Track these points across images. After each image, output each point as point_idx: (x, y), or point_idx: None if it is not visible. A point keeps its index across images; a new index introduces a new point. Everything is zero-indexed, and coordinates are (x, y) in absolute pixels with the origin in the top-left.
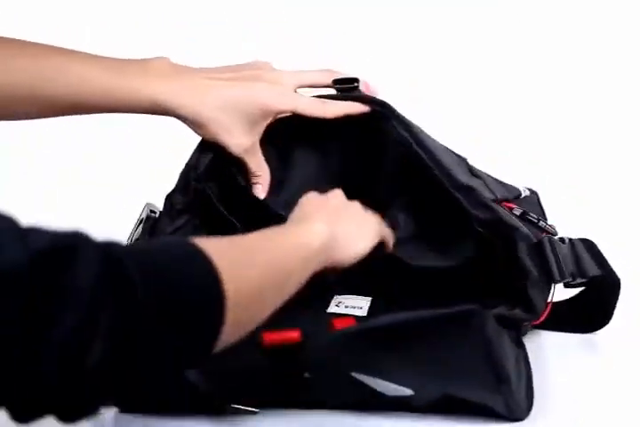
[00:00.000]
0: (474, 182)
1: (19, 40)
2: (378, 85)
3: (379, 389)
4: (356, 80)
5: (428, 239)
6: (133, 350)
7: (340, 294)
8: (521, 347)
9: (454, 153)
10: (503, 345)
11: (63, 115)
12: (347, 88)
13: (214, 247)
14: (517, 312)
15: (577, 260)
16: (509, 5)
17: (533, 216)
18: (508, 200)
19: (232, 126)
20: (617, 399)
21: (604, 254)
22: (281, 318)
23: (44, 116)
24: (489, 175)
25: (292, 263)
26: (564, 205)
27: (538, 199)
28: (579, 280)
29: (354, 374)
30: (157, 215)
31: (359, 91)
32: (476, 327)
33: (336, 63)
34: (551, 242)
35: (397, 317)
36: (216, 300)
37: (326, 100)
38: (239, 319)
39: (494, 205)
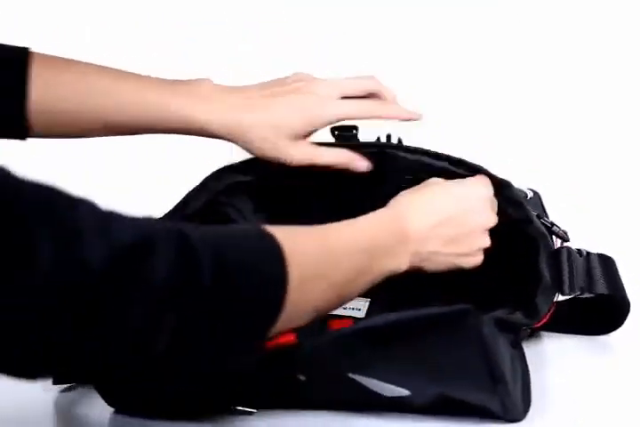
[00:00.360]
0: None
1: (63, 58)
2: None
3: (375, 389)
4: (356, 128)
5: None
6: (198, 338)
7: None
8: (517, 348)
9: None
10: (499, 346)
11: (110, 133)
12: (346, 136)
13: (292, 243)
14: (518, 316)
15: (589, 275)
16: (509, 8)
17: (547, 220)
18: None
19: (279, 142)
20: (616, 401)
21: (619, 273)
22: None
23: (93, 135)
24: None
25: (362, 279)
26: (563, 212)
27: (540, 200)
28: (586, 295)
29: (350, 374)
30: None
31: (357, 139)
32: (472, 327)
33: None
34: (569, 253)
35: (391, 317)
36: (277, 299)
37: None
38: (297, 311)
39: (527, 205)
